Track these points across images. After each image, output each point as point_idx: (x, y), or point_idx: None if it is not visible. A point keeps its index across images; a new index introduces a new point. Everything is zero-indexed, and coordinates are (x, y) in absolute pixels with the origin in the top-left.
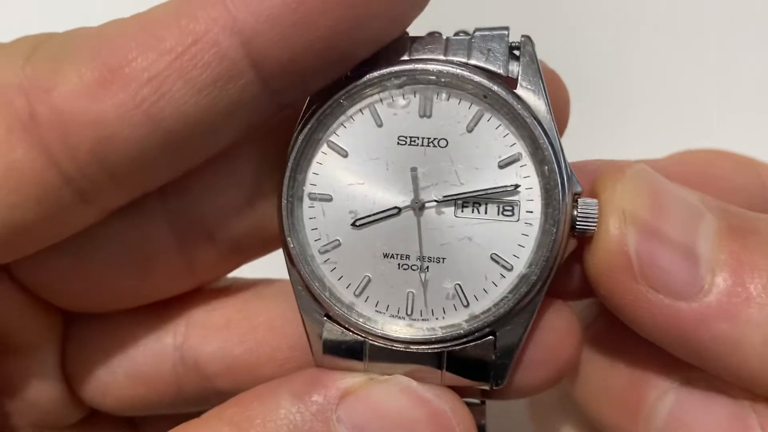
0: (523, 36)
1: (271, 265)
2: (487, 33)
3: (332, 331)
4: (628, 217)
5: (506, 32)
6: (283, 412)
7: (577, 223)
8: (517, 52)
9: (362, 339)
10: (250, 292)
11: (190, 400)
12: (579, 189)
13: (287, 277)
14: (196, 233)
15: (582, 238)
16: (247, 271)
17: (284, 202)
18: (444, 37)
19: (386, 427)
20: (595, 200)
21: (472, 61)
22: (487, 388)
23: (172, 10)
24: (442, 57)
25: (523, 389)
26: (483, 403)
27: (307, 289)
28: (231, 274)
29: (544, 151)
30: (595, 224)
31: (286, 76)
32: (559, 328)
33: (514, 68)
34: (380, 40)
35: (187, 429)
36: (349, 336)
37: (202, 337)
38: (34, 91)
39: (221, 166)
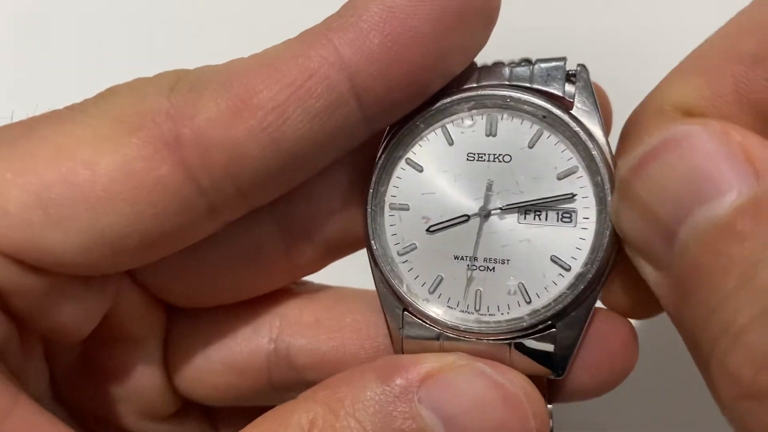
0: (579, 65)
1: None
2: (546, 65)
3: (412, 324)
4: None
5: (563, 62)
6: (369, 394)
7: None
8: (573, 79)
9: (438, 331)
10: (338, 297)
11: (279, 390)
12: None
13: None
14: (299, 235)
15: None
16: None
17: (369, 210)
18: (508, 68)
19: (463, 407)
20: None
21: (534, 86)
22: (550, 376)
23: (290, 50)
24: (506, 83)
25: (581, 390)
26: (549, 405)
27: (388, 286)
28: (317, 280)
29: (597, 164)
30: None
31: (381, 104)
32: (618, 337)
33: (571, 91)
34: (455, 71)
35: (285, 409)
36: (427, 328)
37: (294, 332)
38: (179, 117)
39: (323, 176)
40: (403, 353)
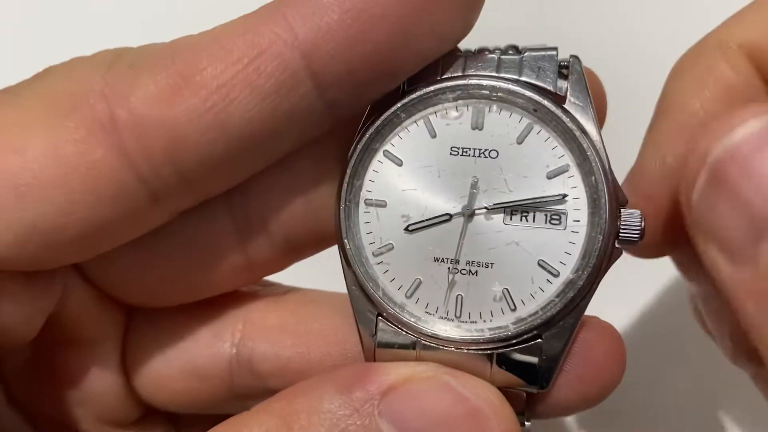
0: (571, 56)
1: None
2: (537, 53)
3: (386, 330)
4: None
5: (555, 52)
6: (327, 406)
7: (621, 232)
8: (565, 71)
9: (414, 338)
10: (306, 300)
11: (241, 397)
12: (624, 199)
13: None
14: (256, 230)
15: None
16: (291, 278)
17: (342, 206)
18: (496, 56)
19: (425, 423)
20: (638, 211)
21: (523, 78)
22: (533, 391)
23: (239, 27)
24: (494, 74)
25: (564, 405)
26: (527, 422)
27: (361, 289)
28: (287, 282)
29: (591, 163)
30: (638, 234)
31: (342, 86)
32: (605, 347)
33: (563, 85)
34: (429, 55)
35: (237, 421)
36: (402, 335)
37: (257, 337)
38: (114, 96)
39: (283, 166)
40: (373, 359)
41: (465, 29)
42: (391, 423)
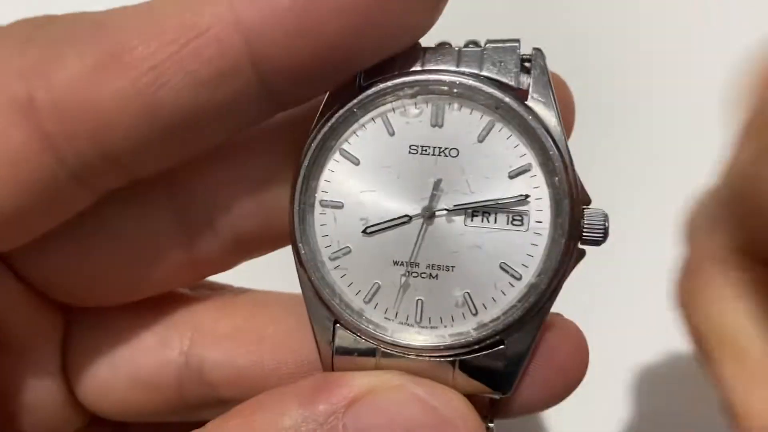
0: (534, 49)
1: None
2: (498, 45)
3: (344, 338)
4: None
5: (517, 44)
6: (288, 422)
7: (584, 233)
8: (528, 65)
9: (374, 346)
10: (260, 303)
11: (192, 407)
12: (587, 199)
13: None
14: (201, 225)
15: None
16: (245, 279)
17: (296, 208)
18: (456, 49)
19: None
20: (602, 210)
21: (484, 73)
22: (496, 397)
23: (178, 4)
24: (454, 68)
25: (528, 405)
26: (491, 423)
27: (317, 295)
28: (239, 283)
29: (554, 162)
30: (602, 235)
31: (287, 77)
32: (568, 347)
33: (525, 80)
34: (386, 51)
35: None
36: (361, 343)
37: (208, 344)
38: (34, 75)
39: (230, 159)
40: (333, 371)
41: (426, 25)
42: None
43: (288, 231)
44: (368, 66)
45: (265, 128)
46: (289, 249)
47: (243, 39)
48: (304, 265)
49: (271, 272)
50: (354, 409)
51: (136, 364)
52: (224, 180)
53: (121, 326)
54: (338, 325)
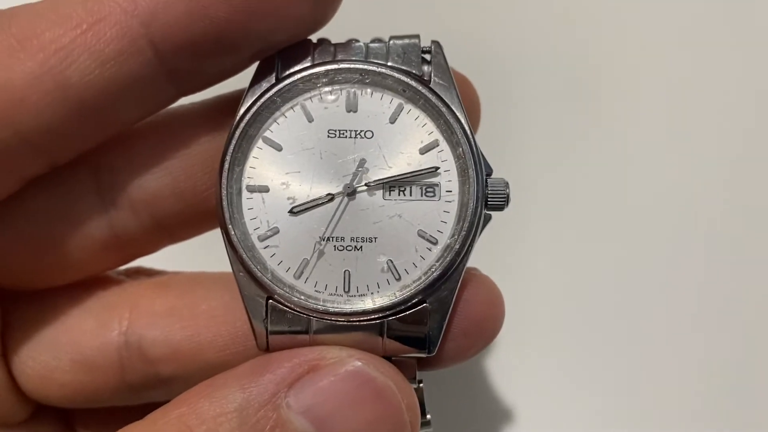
0: (432, 41)
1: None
2: (401, 41)
3: (277, 315)
4: None
5: (418, 39)
6: (232, 406)
7: (489, 199)
8: (428, 56)
9: (306, 317)
10: (192, 283)
11: (135, 388)
12: (489, 169)
13: (222, 267)
14: (121, 205)
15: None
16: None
17: (224, 193)
18: (364, 44)
19: (335, 408)
20: (503, 179)
21: (390, 63)
22: (423, 355)
23: None
24: (363, 60)
25: (453, 357)
26: (420, 383)
27: (249, 274)
28: (175, 268)
29: (457, 136)
30: (503, 200)
31: (181, 57)
32: (483, 299)
33: (427, 69)
34: (275, 38)
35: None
36: (293, 315)
37: (145, 323)
38: None
39: (148, 144)
40: (268, 350)
41: (316, 17)
42: (300, 413)
43: (216, 214)
44: (257, 50)
45: (184, 115)
46: (218, 231)
47: (140, 22)
48: (234, 246)
49: (206, 255)
50: (296, 387)
51: (76, 347)
52: (142, 163)
53: (59, 311)
54: (271, 300)
